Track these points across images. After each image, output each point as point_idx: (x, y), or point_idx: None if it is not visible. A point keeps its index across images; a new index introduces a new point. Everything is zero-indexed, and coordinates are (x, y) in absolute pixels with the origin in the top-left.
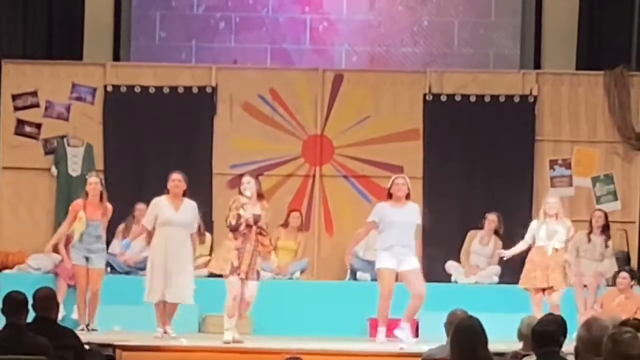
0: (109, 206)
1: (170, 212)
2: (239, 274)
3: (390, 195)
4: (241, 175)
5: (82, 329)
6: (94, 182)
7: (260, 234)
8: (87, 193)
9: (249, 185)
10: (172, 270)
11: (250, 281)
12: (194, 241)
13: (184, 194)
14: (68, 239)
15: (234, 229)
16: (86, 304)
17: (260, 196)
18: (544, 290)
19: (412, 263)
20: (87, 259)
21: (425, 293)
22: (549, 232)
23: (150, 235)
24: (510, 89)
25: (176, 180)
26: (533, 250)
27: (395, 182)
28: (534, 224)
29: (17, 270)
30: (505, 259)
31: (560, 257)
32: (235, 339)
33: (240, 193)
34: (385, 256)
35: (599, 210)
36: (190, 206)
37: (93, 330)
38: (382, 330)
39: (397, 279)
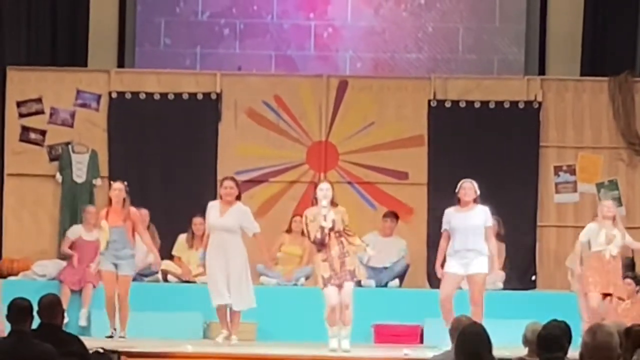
0: (133, 210)
1: (214, 217)
2: (333, 283)
3: (458, 200)
4: (315, 184)
5: (111, 335)
6: (118, 189)
7: (346, 234)
8: (110, 200)
9: (328, 192)
10: (229, 277)
11: (345, 282)
12: (259, 243)
13: (239, 198)
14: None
15: (321, 242)
16: (115, 310)
17: (331, 202)
18: (605, 296)
19: (476, 267)
20: (115, 266)
21: (480, 300)
22: (607, 237)
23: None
24: (515, 95)
25: (228, 187)
26: (592, 257)
27: (462, 187)
28: (592, 227)
29: (22, 277)
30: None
31: (619, 262)
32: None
33: (314, 202)
34: (450, 262)
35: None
36: (236, 211)
37: (121, 337)
38: None
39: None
